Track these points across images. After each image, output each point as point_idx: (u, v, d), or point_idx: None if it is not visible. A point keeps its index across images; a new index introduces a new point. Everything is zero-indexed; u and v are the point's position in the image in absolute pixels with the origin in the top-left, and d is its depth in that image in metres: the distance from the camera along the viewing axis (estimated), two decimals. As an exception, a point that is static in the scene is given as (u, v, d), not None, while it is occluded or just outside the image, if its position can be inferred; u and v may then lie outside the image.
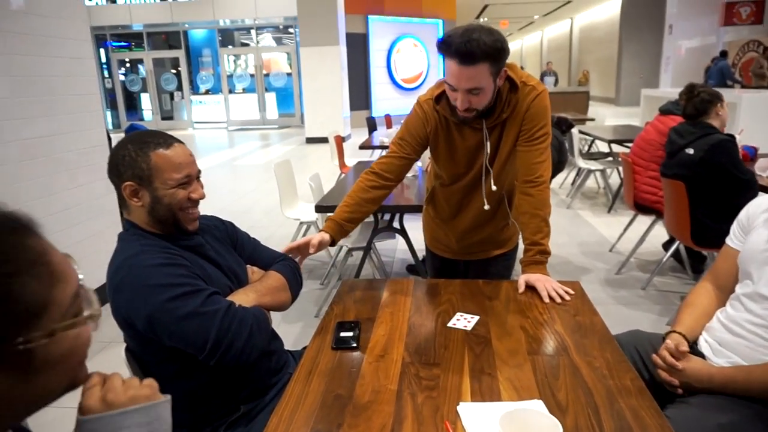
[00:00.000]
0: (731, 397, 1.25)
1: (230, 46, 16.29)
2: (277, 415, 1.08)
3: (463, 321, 1.46)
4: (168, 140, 1.26)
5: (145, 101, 16.51)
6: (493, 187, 1.78)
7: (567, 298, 1.58)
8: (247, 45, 16.28)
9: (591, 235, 4.58)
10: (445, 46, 1.50)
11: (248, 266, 1.47)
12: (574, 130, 5.65)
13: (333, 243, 1.74)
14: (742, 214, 1.48)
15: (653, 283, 3.48)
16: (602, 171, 5.56)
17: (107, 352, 2.76)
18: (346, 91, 11.80)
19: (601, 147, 6.71)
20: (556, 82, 17.83)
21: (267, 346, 1.34)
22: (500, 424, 0.76)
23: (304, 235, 4.15)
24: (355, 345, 1.33)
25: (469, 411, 1.05)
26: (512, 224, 1.94)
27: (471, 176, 1.82)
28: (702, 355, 1.39)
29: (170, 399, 0.73)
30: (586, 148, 7.04)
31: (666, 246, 3.79)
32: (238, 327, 1.19)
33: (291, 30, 15.45)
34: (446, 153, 1.80)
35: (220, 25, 15.70)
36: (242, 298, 1.29)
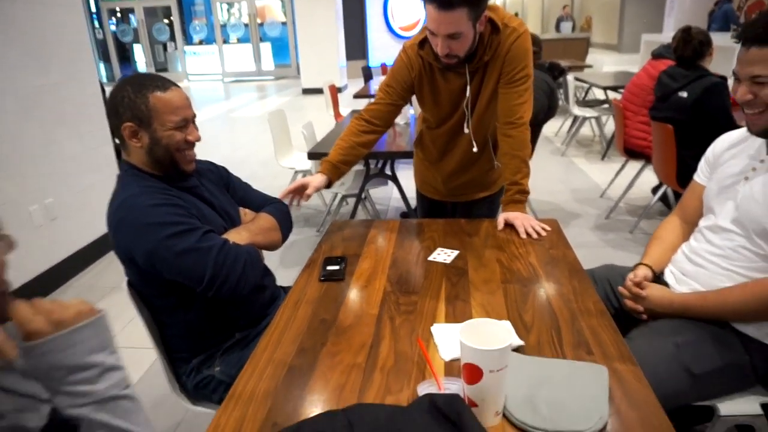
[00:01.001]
0: (690, 320, 1.35)
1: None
2: (266, 336, 1.18)
3: (443, 255, 1.55)
4: (166, 83, 1.31)
5: (138, 53, 16.20)
6: (466, 130, 1.83)
7: (543, 234, 1.66)
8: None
9: (584, 182, 4.64)
10: None
11: (240, 208, 1.54)
12: (570, 77, 5.62)
13: (329, 185, 1.80)
14: (709, 152, 1.54)
15: (640, 227, 3.57)
16: (597, 118, 5.56)
17: (111, 296, 2.88)
18: (341, 40, 11.57)
19: (599, 94, 6.68)
20: (574, 27, 17.22)
21: (260, 281, 1.43)
22: (460, 331, 0.85)
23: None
24: (340, 277, 1.43)
25: (440, 330, 1.15)
26: (498, 167, 2.00)
27: (455, 119, 1.87)
28: (666, 284, 1.49)
29: (106, 312, 0.75)
30: (583, 95, 7.01)
31: (655, 190, 3.87)
32: (233, 262, 1.27)
33: (285, -24, 14.97)
34: (430, 97, 1.84)
35: (211, -28, 15.22)
36: (236, 236, 1.37)
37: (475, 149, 1.86)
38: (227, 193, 1.54)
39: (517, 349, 1.07)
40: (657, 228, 1.67)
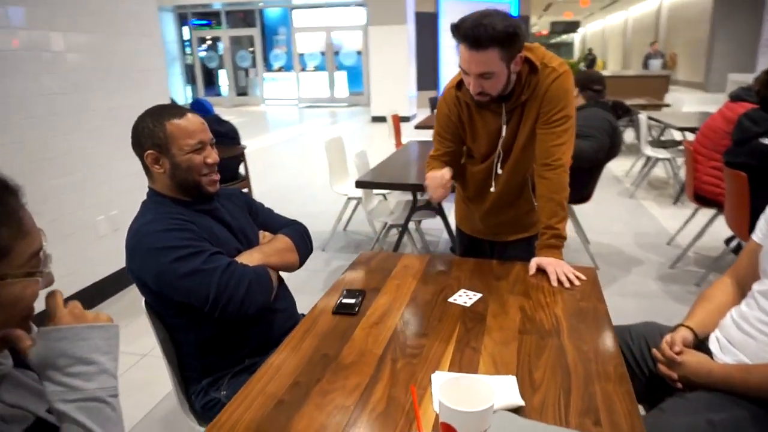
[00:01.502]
0: (730, 395, 1.21)
1: (302, 25, 16.59)
2: (266, 365, 1.17)
3: (465, 297, 1.49)
4: (181, 111, 1.38)
5: (222, 77, 17.20)
6: (499, 171, 1.79)
7: (576, 283, 1.56)
8: (319, 23, 16.51)
9: (650, 227, 4.37)
10: (456, 30, 1.52)
11: (261, 231, 1.57)
12: (642, 116, 5.37)
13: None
14: None
15: (708, 280, 3.30)
16: (670, 160, 5.26)
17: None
18: (413, 70, 11.74)
19: (677, 135, 6.34)
20: (664, 65, 16.52)
21: (271, 304, 1.42)
22: (440, 387, 0.80)
23: (353, 210, 4.27)
24: (354, 312, 1.40)
25: (440, 379, 1.09)
26: (536, 210, 1.92)
27: (492, 158, 1.83)
28: (710, 352, 1.35)
29: (118, 326, 0.83)
30: (658, 135, 6.67)
31: (728, 241, 3.57)
32: (237, 282, 1.29)
33: (363, 9, 15.48)
34: (469, 136, 1.84)
35: (293, 4, 15.99)
36: (247, 257, 1.39)
37: (492, 189, 1.83)
38: (249, 216, 1.57)
39: (517, 410, 0.99)
40: (707, 288, 1.53)
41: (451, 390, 0.79)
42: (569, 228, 3.82)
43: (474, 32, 1.47)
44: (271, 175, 6.62)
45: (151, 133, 1.35)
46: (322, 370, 1.15)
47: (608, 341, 1.26)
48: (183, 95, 16.94)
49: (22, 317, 0.76)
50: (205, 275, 1.27)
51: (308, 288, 3.07)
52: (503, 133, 1.73)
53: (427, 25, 12.96)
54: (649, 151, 5.30)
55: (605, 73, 12.76)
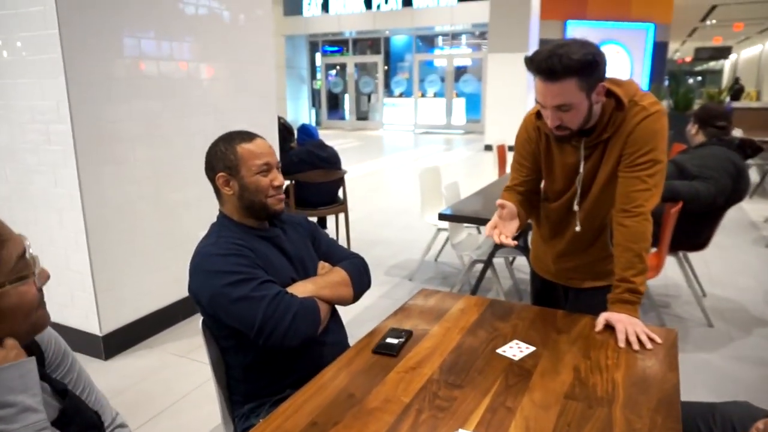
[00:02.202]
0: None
1: (424, 52, 16.94)
2: (291, 400, 1.18)
3: (516, 349, 1.39)
4: (251, 135, 1.47)
5: (347, 101, 18.06)
6: (575, 207, 1.68)
7: (648, 345, 1.39)
8: (441, 50, 16.76)
9: (787, 283, 3.79)
10: (529, 62, 1.45)
11: (320, 262, 1.59)
12: (787, 155, 4.72)
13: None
14: None
15: None
16: (820, 207, 4.54)
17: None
18: (530, 99, 11.43)
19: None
20: None
21: (318, 336, 1.43)
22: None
23: (445, 241, 4.21)
24: (394, 353, 1.36)
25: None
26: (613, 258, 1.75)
27: (568, 196, 1.72)
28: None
29: (35, 358, 0.84)
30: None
31: None
32: (283, 312, 1.31)
33: (486, 36, 15.48)
34: (546, 169, 1.76)
35: (417, 32, 16.42)
36: (300, 288, 1.42)
37: (578, 228, 1.71)
38: (311, 245, 1.60)
39: (531, 488, 0.90)
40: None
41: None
42: (680, 278, 3.45)
43: (548, 63, 1.40)
44: (373, 200, 6.77)
45: (223, 156, 1.44)
46: (343, 413, 1.13)
47: (669, 421, 1.09)
48: (308, 118, 18.02)
49: (28, 320, 0.82)
50: (253, 303, 1.31)
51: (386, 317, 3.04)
52: (581, 170, 1.63)
53: (550, 52, 12.59)
54: (795, 195, 4.62)
55: (759, 105, 11.43)
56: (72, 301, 2.76)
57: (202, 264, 1.38)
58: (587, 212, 1.70)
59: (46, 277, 0.87)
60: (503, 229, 1.60)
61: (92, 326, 2.73)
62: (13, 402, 0.78)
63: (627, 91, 1.54)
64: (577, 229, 1.71)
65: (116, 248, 2.77)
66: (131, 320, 2.88)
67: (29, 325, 0.85)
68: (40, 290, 0.86)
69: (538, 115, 1.68)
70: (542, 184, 1.85)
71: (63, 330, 2.79)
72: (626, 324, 1.45)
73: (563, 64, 1.38)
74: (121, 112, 2.73)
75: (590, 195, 1.67)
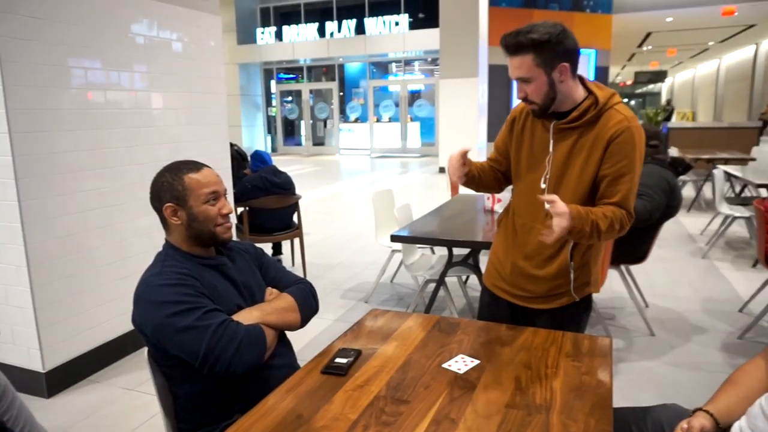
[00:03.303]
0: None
1: (378, 78, 17.26)
2: (238, 424, 1.19)
3: (460, 363, 1.43)
4: (198, 165, 1.48)
5: (303, 128, 18.12)
6: (543, 185, 1.73)
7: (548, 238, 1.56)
8: (394, 76, 17.11)
9: (722, 292, 4.02)
10: (501, 39, 1.59)
11: (268, 288, 1.60)
12: (718, 172, 5.05)
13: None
14: None
15: (785, 355, 2.96)
16: (748, 219, 4.85)
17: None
18: (483, 123, 11.78)
19: (764, 192, 5.86)
20: None
21: (267, 360, 1.44)
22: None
23: (399, 263, 4.26)
24: (342, 373, 1.39)
25: (403, 452, 1.05)
26: (569, 280, 1.78)
27: (538, 174, 1.75)
28: (730, 443, 1.21)
29: None
30: (739, 191, 6.21)
31: (810, 312, 3.21)
32: (227, 341, 1.32)
33: (437, 63, 15.92)
34: (517, 145, 1.82)
35: (371, 59, 16.73)
36: (245, 316, 1.43)
37: (547, 206, 1.63)
38: (258, 272, 1.62)
39: (469, 493, 0.93)
40: (736, 370, 1.38)
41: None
42: (624, 291, 3.60)
43: (507, 39, 1.57)
44: (330, 224, 6.79)
45: (170, 186, 1.45)
46: (290, 432, 1.14)
47: (601, 423, 1.16)
48: (264, 144, 17.95)
49: None
50: (198, 332, 1.31)
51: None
52: (550, 149, 1.70)
53: (500, 77, 13.06)
54: (726, 208, 4.93)
55: (693, 125, 12.14)
56: (12, 337, 2.65)
57: (146, 294, 1.37)
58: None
59: None
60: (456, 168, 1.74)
61: (34, 363, 2.62)
62: None
63: (605, 95, 1.65)
64: (547, 207, 1.63)
65: (61, 281, 2.69)
66: (76, 354, 2.78)
67: None
68: None
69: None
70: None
71: (2, 368, 2.67)
72: (559, 220, 1.52)
73: (517, 41, 1.54)
74: (67, 143, 2.68)
75: (562, 186, 1.70)
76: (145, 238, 3.14)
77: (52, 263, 2.64)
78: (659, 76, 31.20)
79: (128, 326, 3.02)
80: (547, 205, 1.56)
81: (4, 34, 2.36)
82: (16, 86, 2.44)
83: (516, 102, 1.80)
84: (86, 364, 2.83)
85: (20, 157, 2.47)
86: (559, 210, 1.53)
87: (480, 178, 1.90)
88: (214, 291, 1.43)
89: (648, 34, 18.17)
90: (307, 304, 1.58)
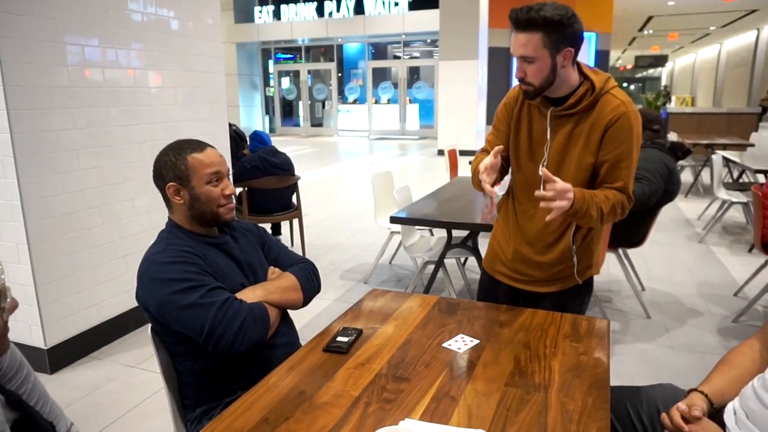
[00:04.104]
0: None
1: (377, 59, 17.11)
2: (241, 399, 1.20)
3: (460, 343, 1.45)
4: (201, 145, 1.47)
5: (301, 108, 18.01)
6: (541, 172, 1.65)
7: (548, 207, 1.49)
8: (396, 57, 16.97)
9: (718, 276, 4.06)
10: (510, 13, 1.54)
11: (270, 267, 1.61)
12: (716, 157, 5.05)
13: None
14: None
15: (778, 338, 3.00)
16: (746, 204, 4.88)
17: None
18: (482, 105, 11.73)
19: (761, 177, 5.87)
20: None
21: (270, 339, 1.46)
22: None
23: (398, 244, 4.28)
24: (344, 351, 1.41)
25: (408, 428, 1.07)
26: (572, 264, 1.79)
27: (530, 170, 1.75)
28: (723, 425, 1.23)
29: None
30: (737, 176, 6.22)
31: (804, 297, 3.24)
32: (231, 319, 1.33)
33: (437, 44, 15.78)
34: (514, 131, 1.78)
35: (369, 40, 16.56)
36: (249, 294, 1.44)
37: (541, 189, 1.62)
38: (261, 251, 1.63)
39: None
40: (730, 350, 1.40)
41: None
42: (621, 275, 3.64)
43: (519, 14, 1.52)
44: (328, 205, 6.79)
45: (173, 165, 1.44)
46: (293, 409, 1.16)
47: (599, 402, 1.18)
48: (262, 125, 17.86)
49: None
50: (202, 310, 1.32)
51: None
52: (548, 136, 1.69)
53: (500, 59, 12.98)
54: (723, 193, 4.95)
55: (693, 110, 12.12)
56: (14, 314, 2.66)
57: (150, 271, 1.38)
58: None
59: (14, 307, 0.88)
60: (489, 176, 1.63)
61: (36, 340, 2.65)
62: None
63: (601, 80, 1.63)
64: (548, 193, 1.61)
65: (62, 259, 2.70)
66: (78, 332, 2.80)
67: None
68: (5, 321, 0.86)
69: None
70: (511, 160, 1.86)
71: (5, 345, 2.69)
72: (559, 195, 1.49)
73: (529, 17, 1.49)
74: (64, 121, 2.67)
75: (561, 173, 1.68)
76: (143, 217, 3.14)
77: (52, 241, 2.65)
78: (660, 60, 31.05)
79: (128, 305, 3.05)
80: (549, 193, 1.51)
81: (0, 10, 2.33)
82: (13, 62, 2.41)
83: (515, 84, 1.76)
84: (88, 342, 2.85)
85: (18, 135, 2.45)
86: (560, 187, 1.50)
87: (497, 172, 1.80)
88: (217, 269, 1.44)
89: (649, 18, 18.01)
90: (309, 283, 1.59)
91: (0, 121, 2.42)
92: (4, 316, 0.85)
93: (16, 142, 2.45)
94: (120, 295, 3.02)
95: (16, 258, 2.57)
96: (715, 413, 1.25)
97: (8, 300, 0.85)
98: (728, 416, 1.24)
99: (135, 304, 2.77)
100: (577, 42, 1.56)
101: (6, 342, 0.90)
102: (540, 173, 1.58)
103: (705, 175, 7.55)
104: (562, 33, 1.52)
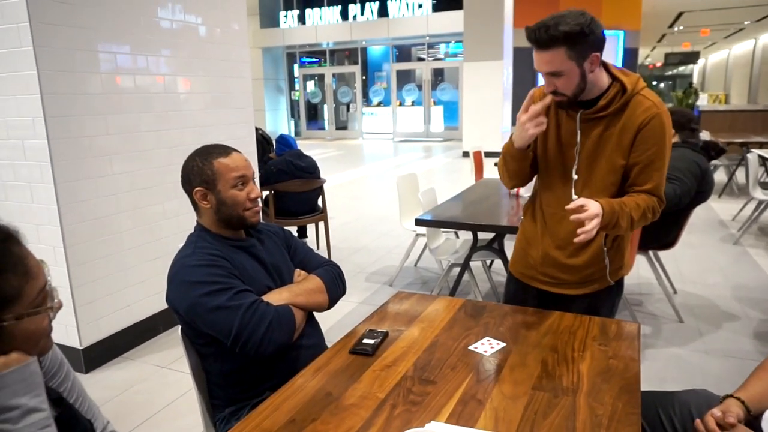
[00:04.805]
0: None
1: (401, 62, 17.12)
2: (270, 400, 1.22)
3: (486, 346, 1.44)
4: (227, 149, 1.50)
5: (325, 112, 18.14)
6: (574, 176, 1.68)
7: (582, 234, 1.47)
8: (420, 59, 16.95)
9: (754, 278, 3.93)
10: (526, 32, 1.52)
11: (296, 270, 1.63)
12: (751, 156, 4.91)
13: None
14: None
15: (818, 343, 2.90)
16: (784, 204, 4.72)
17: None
18: (507, 106, 11.63)
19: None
20: None
21: (295, 340, 1.47)
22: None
23: (424, 246, 4.27)
24: (370, 353, 1.41)
25: (434, 430, 1.07)
26: (604, 266, 1.77)
27: (559, 173, 1.73)
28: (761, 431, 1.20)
29: (36, 358, 0.87)
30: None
31: None
32: (258, 321, 1.35)
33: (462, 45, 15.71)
34: (540, 141, 1.75)
35: (393, 42, 16.59)
36: (275, 296, 1.46)
37: (575, 197, 1.66)
38: (287, 254, 1.64)
39: (497, 471, 0.95)
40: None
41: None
42: (652, 277, 3.55)
43: (537, 34, 1.49)
44: (354, 208, 6.82)
45: (200, 170, 1.48)
46: (320, 410, 1.17)
47: (629, 406, 1.16)
48: (287, 128, 18.05)
49: (36, 347, 0.87)
50: (229, 312, 1.35)
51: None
52: (578, 139, 1.67)
53: (525, 60, 12.83)
54: (760, 193, 4.80)
55: (726, 107, 11.79)
56: (51, 315, 2.75)
57: (179, 274, 1.41)
58: (588, 193, 1.68)
59: (59, 307, 0.92)
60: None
61: (72, 340, 2.72)
62: (16, 405, 0.82)
63: (632, 81, 1.61)
64: (575, 197, 1.67)
65: (95, 262, 2.78)
66: (111, 333, 2.88)
67: (35, 351, 0.88)
68: (51, 320, 0.89)
69: None
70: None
71: (42, 345, 2.77)
72: (592, 215, 1.48)
73: (549, 35, 1.46)
74: (98, 127, 2.74)
75: (592, 176, 1.67)
76: (173, 220, 3.21)
77: (86, 244, 2.73)
78: (691, 57, 30.25)
79: (159, 306, 3.11)
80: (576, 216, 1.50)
81: (36, 19, 2.42)
82: (50, 71, 2.50)
83: (540, 84, 1.72)
84: (120, 342, 2.93)
85: (55, 141, 2.54)
86: (592, 214, 1.49)
87: (530, 158, 1.77)
88: (244, 272, 1.46)
89: (680, 14, 17.59)
90: (335, 286, 1.60)
91: (38, 128, 2.50)
92: (51, 315, 0.88)
93: (53, 148, 2.53)
94: (151, 296, 3.08)
95: (53, 260, 2.65)
96: (753, 420, 1.22)
97: (56, 300, 0.88)
98: (766, 424, 1.21)
99: (165, 305, 2.84)
100: (601, 45, 1.54)
101: (50, 341, 0.93)
102: (566, 207, 1.54)
103: (740, 175, 7.33)
104: (585, 42, 1.49)
